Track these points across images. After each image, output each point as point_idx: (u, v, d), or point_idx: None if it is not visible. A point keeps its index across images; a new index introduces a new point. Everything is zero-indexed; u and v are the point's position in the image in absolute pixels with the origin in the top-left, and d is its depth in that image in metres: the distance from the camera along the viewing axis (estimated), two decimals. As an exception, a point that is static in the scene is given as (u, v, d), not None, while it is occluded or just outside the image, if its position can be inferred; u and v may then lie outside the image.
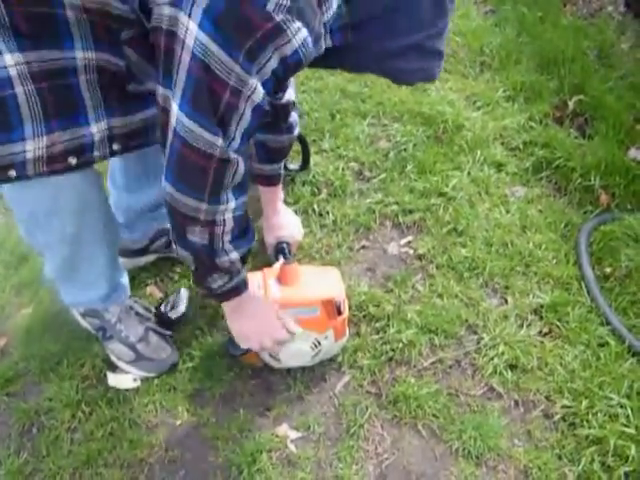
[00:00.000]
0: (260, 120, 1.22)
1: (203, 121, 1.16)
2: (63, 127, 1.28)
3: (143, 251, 1.93)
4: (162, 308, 1.80)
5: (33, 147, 1.26)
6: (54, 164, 1.30)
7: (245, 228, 1.39)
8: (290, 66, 1.15)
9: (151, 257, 1.96)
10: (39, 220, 1.45)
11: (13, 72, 1.19)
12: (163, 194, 1.28)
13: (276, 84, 1.18)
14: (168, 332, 1.77)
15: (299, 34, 1.11)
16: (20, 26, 1.16)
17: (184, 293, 1.83)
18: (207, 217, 1.28)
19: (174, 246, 1.42)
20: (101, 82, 1.29)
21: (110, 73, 1.29)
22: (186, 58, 1.11)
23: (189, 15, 1.07)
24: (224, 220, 1.30)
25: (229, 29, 1.08)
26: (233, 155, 1.22)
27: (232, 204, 1.30)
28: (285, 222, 1.89)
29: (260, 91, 1.15)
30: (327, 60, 1.29)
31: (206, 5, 1.06)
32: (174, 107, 1.16)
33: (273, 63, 1.13)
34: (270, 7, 1.06)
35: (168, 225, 1.90)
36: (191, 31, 1.08)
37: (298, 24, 1.10)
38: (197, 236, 1.32)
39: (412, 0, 1.21)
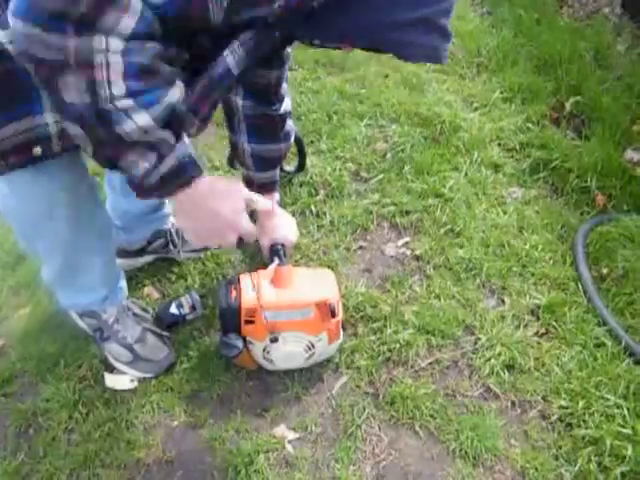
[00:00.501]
0: None
1: None
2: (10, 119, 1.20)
3: (141, 252, 1.93)
4: (175, 311, 1.80)
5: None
6: (10, 158, 1.22)
7: (153, 82, 1.01)
8: None
9: (149, 258, 1.96)
10: (35, 226, 1.44)
11: None
12: (14, 39, 0.94)
13: None
14: (165, 333, 1.77)
15: None
16: None
17: (196, 295, 1.83)
18: (79, 55, 0.93)
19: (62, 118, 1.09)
20: None
21: None
22: None
23: None
24: (107, 62, 0.94)
25: None
26: None
27: (116, 43, 0.94)
28: (279, 224, 1.87)
29: None
30: (333, 26, 1.22)
31: None
32: None
33: None
34: None
35: (166, 226, 1.92)
36: None
37: None
38: (73, 91, 0.96)
39: None
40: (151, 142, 1.02)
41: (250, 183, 1.80)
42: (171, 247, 1.94)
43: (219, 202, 1.16)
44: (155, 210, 1.88)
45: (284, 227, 1.87)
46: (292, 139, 1.76)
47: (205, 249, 1.99)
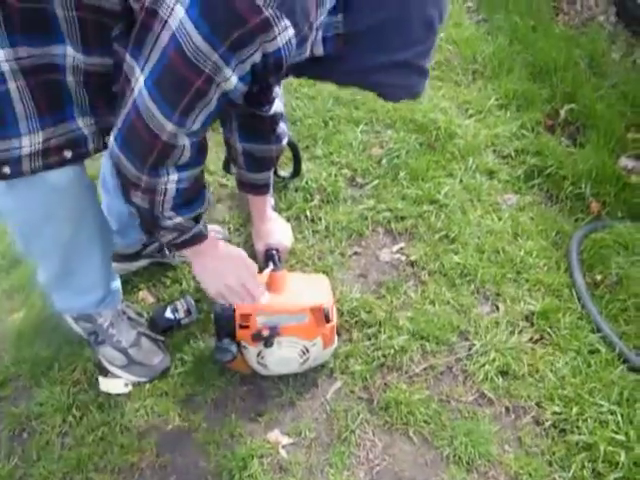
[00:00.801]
0: (224, 106, 1.22)
1: (161, 104, 1.17)
2: (55, 122, 1.29)
3: (136, 256, 1.93)
4: (170, 315, 1.79)
5: (29, 142, 1.27)
6: (49, 158, 1.31)
7: (192, 199, 1.39)
8: (270, 64, 1.15)
9: (143, 262, 1.96)
10: (34, 227, 1.45)
11: (5, 67, 1.19)
12: (110, 152, 1.28)
13: (252, 80, 1.18)
14: (160, 337, 1.77)
15: (285, 32, 1.10)
16: (13, 21, 1.16)
17: (190, 299, 1.83)
18: (147, 186, 1.29)
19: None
20: (88, 85, 1.29)
21: (97, 76, 1.29)
22: (164, 38, 1.11)
23: None
24: (165, 190, 1.30)
25: (216, 20, 1.06)
26: (181, 141, 1.23)
27: (174, 176, 1.29)
28: (274, 229, 1.87)
29: (233, 82, 1.15)
30: (315, 69, 1.31)
31: None
32: (140, 80, 1.16)
33: (255, 58, 1.12)
34: (260, 1, 1.05)
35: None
36: (176, 14, 1.07)
37: (286, 22, 1.09)
38: (139, 199, 1.32)
39: (404, 18, 1.23)
40: (178, 229, 1.40)
41: (243, 184, 1.81)
42: (166, 251, 1.94)
43: (225, 252, 1.55)
44: None
45: (279, 232, 1.87)
46: (285, 142, 1.76)
47: None
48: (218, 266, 1.51)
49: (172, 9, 1.07)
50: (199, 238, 1.45)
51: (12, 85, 1.21)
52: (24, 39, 1.19)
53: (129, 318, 1.75)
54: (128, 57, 1.18)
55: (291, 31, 1.10)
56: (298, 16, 1.11)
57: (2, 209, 1.46)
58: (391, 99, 1.49)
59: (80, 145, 1.34)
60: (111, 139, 1.26)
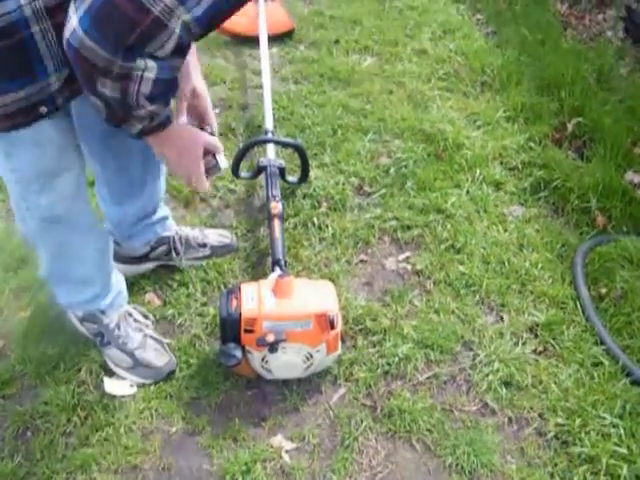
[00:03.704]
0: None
1: None
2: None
3: (143, 258, 1.94)
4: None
5: (55, 80, 1.31)
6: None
7: (169, 89, 1.27)
8: None
9: (151, 265, 1.97)
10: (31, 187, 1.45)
11: (28, 11, 1.21)
12: (70, 39, 1.11)
13: None
14: (166, 340, 1.77)
15: None
16: None
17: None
18: (121, 71, 1.13)
19: (84, 91, 1.24)
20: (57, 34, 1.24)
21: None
22: None
23: None
24: (141, 77, 1.15)
25: None
26: (173, 23, 1.09)
27: (153, 64, 1.15)
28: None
29: None
30: None
31: None
32: None
33: None
34: None
35: (168, 233, 1.93)
36: None
37: None
38: (108, 89, 1.17)
39: None
40: (151, 115, 1.26)
41: None
42: (173, 254, 1.95)
43: (182, 141, 1.43)
44: (149, 215, 1.88)
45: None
46: None
47: (207, 257, 2.00)
48: (181, 154, 1.43)
49: None
50: (166, 123, 1.33)
51: (35, 28, 1.23)
52: None
53: (135, 320, 1.75)
54: None
55: None
56: None
57: (4, 176, 1.48)
58: None
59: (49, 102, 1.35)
60: (71, 23, 1.10)
